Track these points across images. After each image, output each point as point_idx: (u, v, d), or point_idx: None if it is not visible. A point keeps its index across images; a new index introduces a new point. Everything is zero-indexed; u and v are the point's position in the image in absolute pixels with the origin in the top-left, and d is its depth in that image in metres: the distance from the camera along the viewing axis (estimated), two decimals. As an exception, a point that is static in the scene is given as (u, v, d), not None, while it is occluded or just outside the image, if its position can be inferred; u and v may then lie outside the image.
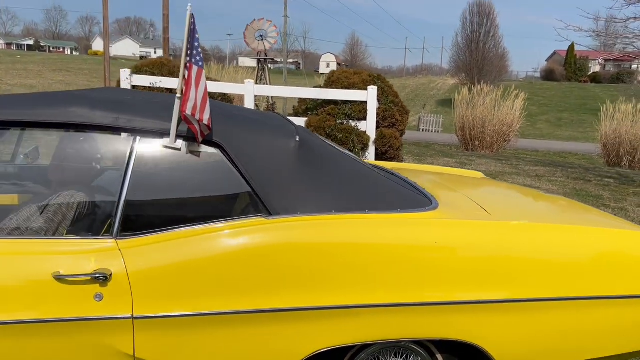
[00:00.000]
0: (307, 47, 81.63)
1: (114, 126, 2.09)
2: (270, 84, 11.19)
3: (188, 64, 2.08)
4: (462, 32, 38.27)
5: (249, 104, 7.48)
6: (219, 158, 2.13)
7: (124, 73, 7.41)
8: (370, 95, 7.45)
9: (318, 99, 7.67)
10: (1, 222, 2.08)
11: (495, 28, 37.35)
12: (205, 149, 2.15)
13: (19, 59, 54.28)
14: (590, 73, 49.45)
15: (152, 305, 1.92)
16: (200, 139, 2.11)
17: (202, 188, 2.19)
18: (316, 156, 2.26)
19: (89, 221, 2.13)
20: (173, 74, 7.76)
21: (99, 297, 1.90)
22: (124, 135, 2.11)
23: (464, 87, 19.28)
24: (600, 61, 51.92)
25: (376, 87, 7.45)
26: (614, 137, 17.18)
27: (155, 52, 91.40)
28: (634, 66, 50.04)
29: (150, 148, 2.11)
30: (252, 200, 2.11)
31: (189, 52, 2.08)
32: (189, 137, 2.13)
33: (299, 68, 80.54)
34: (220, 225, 2.03)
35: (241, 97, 8.34)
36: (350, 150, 6.68)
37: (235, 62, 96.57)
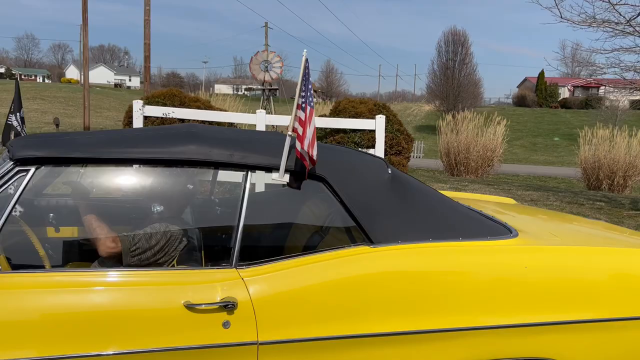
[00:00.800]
0: (285, 74, 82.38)
1: (229, 162, 2.22)
2: (274, 113, 11.38)
3: (303, 105, 2.23)
4: (438, 59, 39.33)
5: (260, 133, 7.62)
6: (322, 191, 2.28)
7: (137, 104, 7.48)
8: (378, 124, 7.67)
9: (327, 128, 7.87)
10: (128, 251, 2.18)
11: (469, 56, 38.51)
12: (309, 182, 2.29)
13: (-11, 88, 53.40)
14: (560, 99, 51.09)
15: (275, 331, 2.03)
16: (307, 174, 2.25)
17: (306, 219, 2.33)
18: (405, 187, 2.42)
19: (209, 252, 2.24)
20: (184, 104, 7.87)
21: (227, 324, 2.01)
22: (237, 170, 2.24)
23: (447, 113, 19.78)
24: (569, 87, 53.75)
25: (384, 117, 7.70)
26: (593, 161, 17.70)
27: (130, 80, 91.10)
28: (601, 92, 51.91)
29: (260, 182, 2.24)
30: (355, 230, 2.25)
31: (303, 94, 2.23)
32: (295, 171, 2.27)
33: (276, 95, 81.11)
34: (329, 253, 2.17)
35: (245, 127, 8.48)
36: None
37: (211, 89, 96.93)
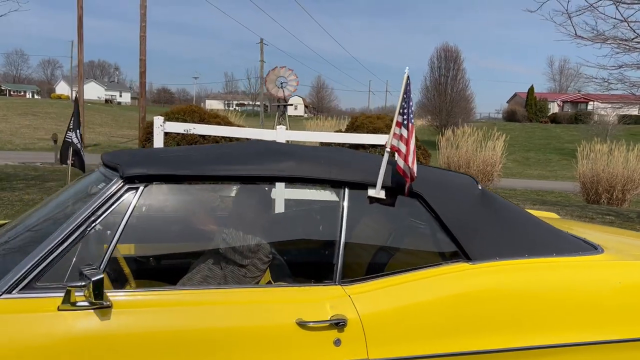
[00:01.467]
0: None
1: (328, 179, 2.22)
2: (289, 129, 11.42)
3: (405, 122, 2.25)
4: (430, 75, 39.76)
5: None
6: (417, 207, 2.29)
7: (158, 120, 7.46)
8: (398, 140, 7.73)
9: (346, 144, 7.90)
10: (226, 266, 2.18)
11: (461, 72, 38.98)
12: (403, 199, 2.30)
13: (-22, 104, 53.06)
14: (549, 114, 51.77)
15: (384, 348, 2.03)
16: (407, 190, 2.26)
17: (400, 235, 2.33)
18: (494, 203, 2.44)
19: (309, 268, 2.24)
20: (203, 120, 7.88)
21: (338, 342, 2.00)
22: (334, 187, 2.25)
23: (445, 128, 19.95)
24: (558, 102, 54.51)
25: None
26: (592, 175, 17.85)
27: (121, 95, 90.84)
28: (590, 107, 52.73)
29: (357, 199, 2.25)
30: (451, 246, 2.26)
31: (403, 111, 2.25)
32: (390, 187, 2.28)
33: (267, 110, 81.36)
34: (430, 270, 2.17)
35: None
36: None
37: (202, 104, 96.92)
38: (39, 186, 11.34)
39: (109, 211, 1.98)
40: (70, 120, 6.27)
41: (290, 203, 2.40)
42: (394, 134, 2.29)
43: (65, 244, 1.91)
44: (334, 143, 8.07)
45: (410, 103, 2.28)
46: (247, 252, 2.33)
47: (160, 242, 2.58)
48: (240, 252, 2.32)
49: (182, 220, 2.47)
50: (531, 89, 51.10)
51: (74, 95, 73.30)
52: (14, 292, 1.83)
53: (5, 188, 10.78)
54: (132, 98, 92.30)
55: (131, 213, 1.99)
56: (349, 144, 7.92)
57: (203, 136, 7.56)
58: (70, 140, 6.19)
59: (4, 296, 1.81)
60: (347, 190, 2.24)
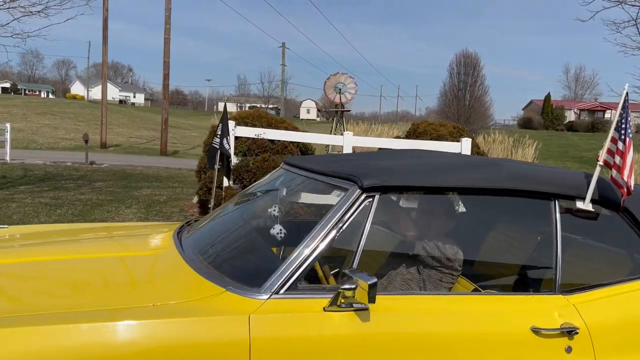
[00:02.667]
0: (289, 93, 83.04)
1: (536, 191, 2.30)
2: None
3: (622, 136, 2.32)
4: (449, 81, 39.77)
5: (348, 154, 7.73)
6: (617, 220, 2.36)
7: (230, 124, 7.57)
8: (464, 147, 7.80)
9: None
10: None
11: (481, 78, 38.99)
12: (606, 211, 2.38)
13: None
14: (566, 122, 51.65)
15: (612, 357, 2.10)
16: (623, 204, 2.33)
17: (601, 245, 2.41)
18: None
19: (526, 278, 2.32)
20: (271, 125, 7.96)
21: (569, 349, 2.07)
22: (545, 199, 2.32)
23: (475, 134, 19.99)
24: (575, 110, 54.39)
25: (470, 139, 7.82)
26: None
27: (134, 96, 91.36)
28: (607, 115, 52.58)
29: (566, 211, 2.32)
30: None
31: (620, 126, 2.33)
32: (598, 200, 2.35)
33: (279, 113, 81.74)
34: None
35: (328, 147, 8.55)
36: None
37: (215, 107, 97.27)
38: (88, 186, 11.47)
39: (351, 218, 2.07)
40: (218, 126, 6.37)
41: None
42: (608, 149, 2.36)
43: (319, 249, 1.99)
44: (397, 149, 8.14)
45: (629, 118, 2.35)
46: (446, 259, 2.40)
47: (368, 248, 2.66)
48: (439, 259, 2.40)
49: (394, 226, 2.55)
50: (548, 97, 51.03)
51: (87, 95, 73.87)
52: (280, 292, 1.91)
53: (58, 188, 10.91)
54: (145, 99, 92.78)
55: (371, 220, 2.07)
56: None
57: (272, 141, 7.64)
58: (216, 147, 6.28)
59: (273, 296, 1.90)
60: (557, 202, 2.32)
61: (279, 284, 1.92)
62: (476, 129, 35.14)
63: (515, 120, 61.29)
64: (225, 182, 7.59)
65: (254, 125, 7.82)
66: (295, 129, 8.19)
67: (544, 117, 51.11)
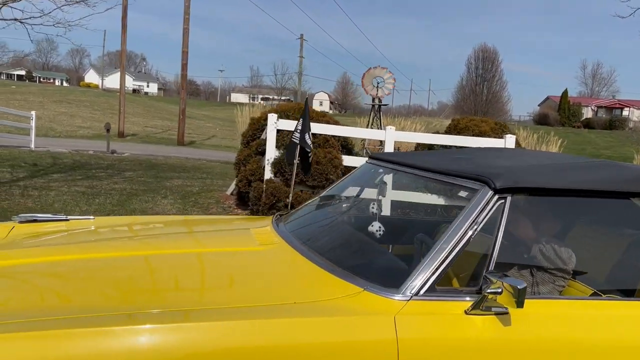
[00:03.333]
0: (302, 85, 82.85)
1: None
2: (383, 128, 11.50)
3: None
4: (467, 75, 39.56)
5: (390, 149, 7.68)
6: None
7: (272, 118, 7.54)
8: (508, 143, 7.72)
9: (452, 146, 7.92)
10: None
11: (499, 73, 38.76)
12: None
13: (15, 89, 53.90)
14: (583, 119, 51.19)
15: None
16: None
17: None
18: None
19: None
20: (312, 118, 7.91)
21: None
22: None
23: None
24: (592, 107, 53.88)
25: (514, 136, 7.74)
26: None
27: (148, 86, 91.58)
28: (625, 113, 52.06)
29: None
30: None
31: None
32: None
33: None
34: None
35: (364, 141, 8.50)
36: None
37: (227, 97, 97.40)
38: (119, 176, 11.51)
39: (485, 220, 2.03)
40: (298, 122, 6.36)
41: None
42: None
43: (456, 251, 1.97)
44: (437, 145, 8.08)
45: None
46: (561, 262, 2.37)
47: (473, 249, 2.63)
48: (554, 262, 2.37)
49: (512, 227, 2.52)
50: (565, 93, 50.55)
51: (101, 83, 74.16)
52: (420, 294, 1.89)
53: (90, 177, 10.96)
54: (158, 89, 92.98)
55: (506, 222, 2.04)
56: (455, 146, 7.93)
57: (314, 134, 7.61)
58: (296, 142, 6.28)
59: (414, 298, 1.88)
60: None
61: (418, 285, 1.90)
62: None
63: (530, 117, 60.83)
64: (267, 175, 7.57)
65: (296, 119, 7.78)
66: (337, 123, 8.15)
67: (560, 113, 50.67)
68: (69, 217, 3.17)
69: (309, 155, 6.47)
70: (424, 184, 2.58)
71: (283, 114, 7.80)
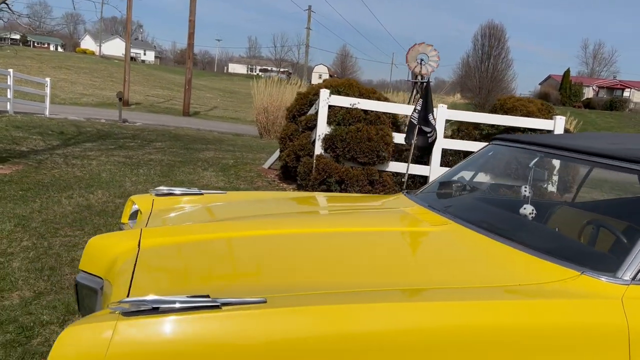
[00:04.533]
0: (302, 57, 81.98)
1: None
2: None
3: None
4: (473, 52, 39.32)
5: (440, 128, 7.71)
6: None
7: (324, 93, 7.52)
8: (557, 125, 7.78)
9: (500, 126, 7.97)
10: None
11: (505, 51, 38.54)
12: None
13: (10, 54, 52.87)
14: (584, 99, 51.24)
15: None
16: None
17: None
18: None
19: None
20: (362, 95, 7.91)
21: None
22: None
23: (483, 108, 19.95)
24: (594, 87, 53.88)
25: (564, 117, 7.80)
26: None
27: (145, 54, 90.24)
28: (626, 94, 52.15)
29: None
30: None
31: None
32: None
33: (289, 77, 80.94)
34: None
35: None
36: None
37: (225, 67, 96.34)
38: (149, 146, 11.46)
39: None
40: (417, 102, 6.34)
41: None
42: None
43: None
44: (482, 124, 8.11)
45: None
46: None
47: None
48: None
49: None
50: (567, 72, 50.45)
51: (99, 50, 72.93)
52: (637, 278, 1.94)
53: (122, 147, 10.91)
54: (155, 57, 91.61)
55: None
56: (504, 126, 7.98)
57: (365, 111, 7.61)
58: (414, 122, 6.27)
59: (633, 283, 1.93)
60: None
61: (635, 269, 1.94)
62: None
63: (532, 95, 60.81)
64: (317, 150, 7.58)
65: (347, 95, 7.77)
66: (387, 100, 8.14)
67: (562, 92, 50.65)
68: (202, 191, 3.20)
69: (429, 136, 6.37)
70: (576, 167, 2.61)
71: (335, 90, 7.77)
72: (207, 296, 1.56)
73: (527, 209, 2.71)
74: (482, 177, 3.26)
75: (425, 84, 6.40)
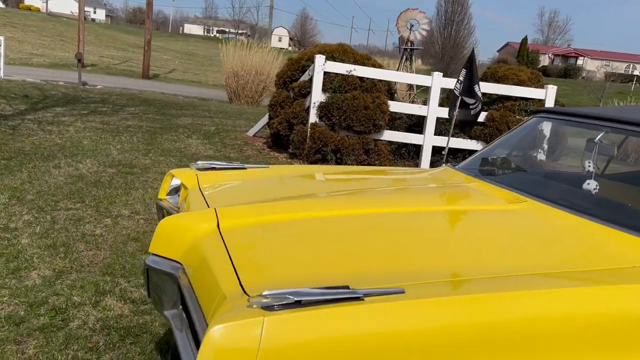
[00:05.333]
0: (261, 19, 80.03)
1: None
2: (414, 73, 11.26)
3: None
4: (436, 19, 39.31)
5: (435, 97, 7.65)
6: None
7: (319, 59, 7.31)
8: (549, 94, 7.87)
9: (493, 95, 7.98)
10: None
11: (468, 17, 38.72)
12: None
13: (-52, 9, 49.52)
14: (540, 66, 52.35)
15: None
16: None
17: None
18: None
19: None
20: (357, 61, 7.74)
21: None
22: None
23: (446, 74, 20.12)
24: (550, 55, 55.04)
25: (555, 87, 7.88)
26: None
27: (95, 12, 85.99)
28: (579, 62, 53.59)
29: None
30: None
31: None
32: None
33: (248, 39, 79.07)
34: None
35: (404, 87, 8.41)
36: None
37: (180, 28, 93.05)
38: (122, 111, 10.97)
39: None
40: (460, 73, 6.09)
41: None
42: None
43: None
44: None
45: None
46: None
47: None
48: None
49: None
50: (525, 40, 51.29)
51: (46, 7, 68.97)
52: None
53: (95, 112, 10.39)
54: (106, 16, 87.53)
55: None
56: (496, 94, 7.99)
57: (361, 78, 7.46)
58: (457, 94, 6.05)
59: None
60: None
61: None
62: (459, 69, 35.23)
63: (490, 62, 61.65)
64: (312, 119, 7.40)
65: (342, 61, 7.58)
66: (381, 67, 8.00)
67: (519, 60, 51.55)
68: (245, 165, 3.04)
69: (472, 108, 6.05)
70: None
71: (330, 56, 7.56)
72: (347, 287, 1.45)
73: (591, 184, 2.68)
74: (532, 152, 3.20)
75: (471, 53, 6.26)
